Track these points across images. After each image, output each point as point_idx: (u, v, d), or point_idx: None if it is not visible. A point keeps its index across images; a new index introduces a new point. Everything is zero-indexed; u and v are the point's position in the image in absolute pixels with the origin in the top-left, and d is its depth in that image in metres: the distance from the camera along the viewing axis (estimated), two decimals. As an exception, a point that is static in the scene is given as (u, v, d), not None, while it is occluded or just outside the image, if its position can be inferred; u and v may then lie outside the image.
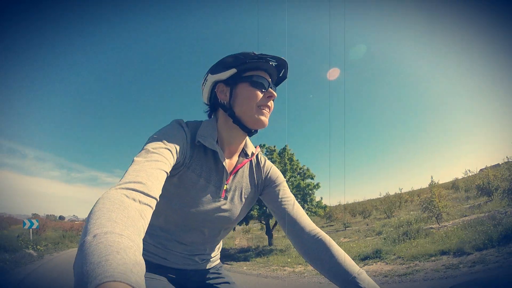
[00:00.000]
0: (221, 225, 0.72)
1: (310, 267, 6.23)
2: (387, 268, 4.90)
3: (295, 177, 10.19)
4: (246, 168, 0.75)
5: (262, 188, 0.76)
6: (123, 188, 0.42)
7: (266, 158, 0.79)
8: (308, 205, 9.82)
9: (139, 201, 0.42)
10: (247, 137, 0.74)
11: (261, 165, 0.77)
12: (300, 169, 10.59)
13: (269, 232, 11.08)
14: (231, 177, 0.71)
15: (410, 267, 4.58)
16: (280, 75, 0.71)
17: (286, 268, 6.56)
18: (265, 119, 0.66)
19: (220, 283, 0.78)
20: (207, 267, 0.78)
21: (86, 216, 0.36)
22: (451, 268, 4.01)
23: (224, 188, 0.69)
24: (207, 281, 0.78)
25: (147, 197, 0.44)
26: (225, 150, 0.70)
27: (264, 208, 10.28)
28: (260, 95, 0.65)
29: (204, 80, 0.71)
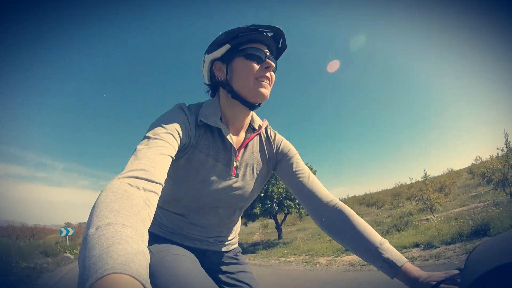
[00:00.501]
0: (235, 204, 0.71)
1: (301, 257, 6.64)
2: (357, 258, 5.08)
3: None
4: (255, 143, 0.73)
5: (275, 162, 0.74)
6: (126, 177, 0.42)
7: (276, 131, 0.77)
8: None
9: (143, 189, 0.42)
10: (253, 112, 0.72)
11: (271, 139, 0.75)
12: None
13: (278, 227, 11.77)
14: (240, 153, 0.69)
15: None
16: (280, 45, 0.69)
17: (281, 258, 7.08)
18: (265, 90, 0.64)
19: (237, 272, 0.76)
20: (223, 250, 0.77)
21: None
22: (411, 261, 4.12)
23: (234, 165, 0.68)
24: (224, 265, 0.76)
25: (151, 183, 0.44)
26: (230, 127, 0.69)
27: (268, 205, 10.81)
28: (256, 66, 0.63)
29: (203, 62, 0.71)
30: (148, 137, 0.52)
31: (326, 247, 6.75)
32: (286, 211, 11.33)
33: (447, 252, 4.10)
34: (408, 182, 14.52)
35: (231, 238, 0.80)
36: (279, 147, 0.75)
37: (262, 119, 0.77)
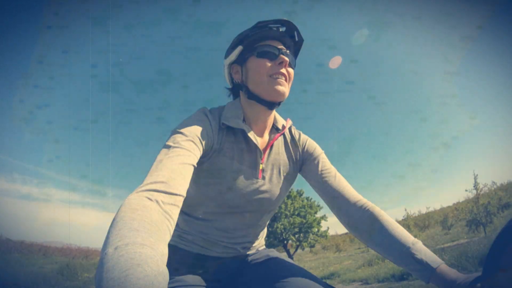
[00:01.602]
0: (262, 208, 0.68)
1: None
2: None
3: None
4: (280, 144, 0.71)
5: (301, 163, 0.72)
6: (144, 191, 0.41)
7: (301, 131, 0.75)
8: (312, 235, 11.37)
9: (163, 202, 0.41)
10: (275, 112, 0.71)
11: (296, 139, 0.72)
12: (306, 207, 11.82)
13: (288, 253, 11.86)
14: (266, 155, 0.67)
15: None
16: (296, 39, 0.67)
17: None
18: (281, 87, 0.62)
19: (265, 275, 0.66)
20: (248, 253, 0.74)
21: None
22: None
23: (260, 168, 0.65)
24: (248, 271, 0.70)
25: (171, 195, 0.43)
26: (254, 129, 0.67)
27: (270, 238, 11.15)
28: (269, 64, 0.62)
29: (223, 67, 0.71)
30: (168, 146, 0.51)
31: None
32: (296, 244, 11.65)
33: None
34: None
35: (257, 243, 0.76)
36: (305, 146, 0.72)
37: (285, 119, 0.75)
